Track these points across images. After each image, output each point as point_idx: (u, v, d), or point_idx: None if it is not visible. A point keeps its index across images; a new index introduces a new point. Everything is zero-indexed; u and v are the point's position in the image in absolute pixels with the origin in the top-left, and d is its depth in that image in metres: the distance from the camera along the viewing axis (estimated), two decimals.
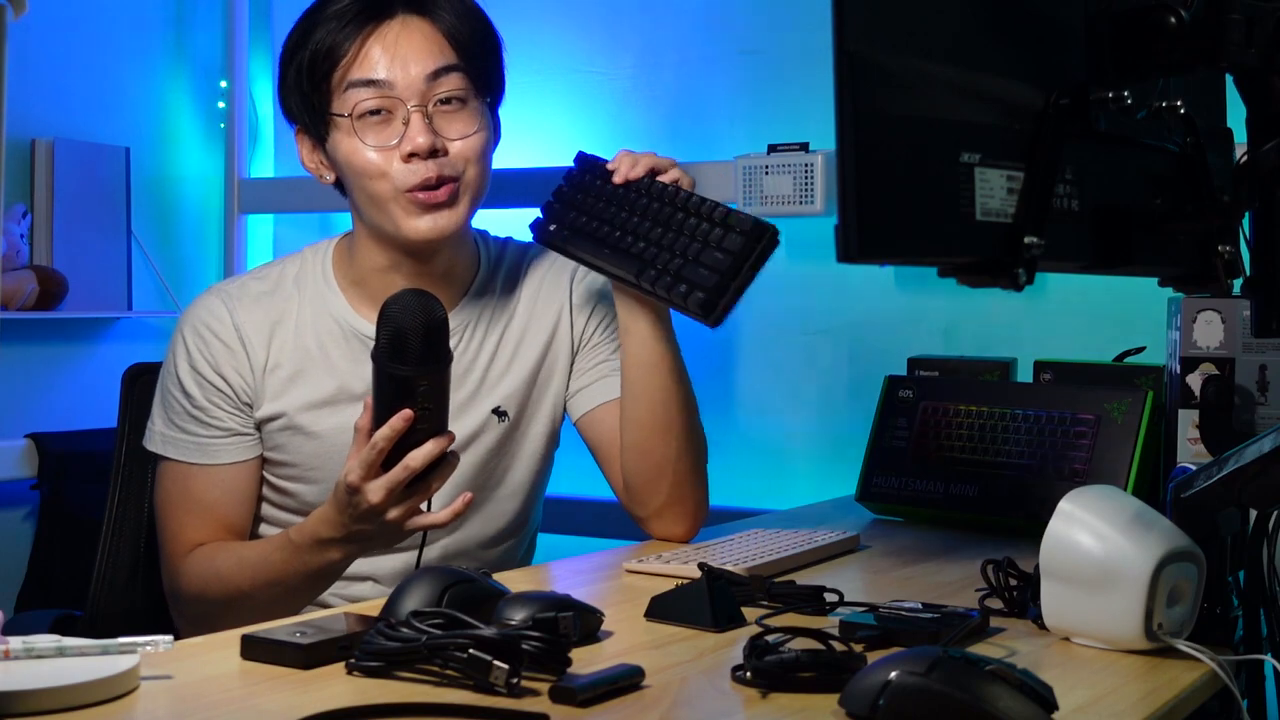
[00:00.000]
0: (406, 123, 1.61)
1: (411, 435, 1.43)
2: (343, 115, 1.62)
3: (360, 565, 1.68)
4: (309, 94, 1.64)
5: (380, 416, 1.43)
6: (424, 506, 1.49)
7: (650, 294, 1.60)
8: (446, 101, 1.64)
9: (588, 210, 1.68)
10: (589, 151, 1.75)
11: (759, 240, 1.56)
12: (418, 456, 1.43)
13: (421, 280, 1.67)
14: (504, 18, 1.76)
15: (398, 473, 1.43)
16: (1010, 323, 2.43)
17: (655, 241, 1.60)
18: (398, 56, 1.61)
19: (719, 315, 1.54)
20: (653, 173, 1.66)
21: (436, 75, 1.63)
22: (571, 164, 1.75)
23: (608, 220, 1.65)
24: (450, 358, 1.46)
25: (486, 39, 1.69)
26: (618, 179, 1.67)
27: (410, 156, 1.61)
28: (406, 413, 1.42)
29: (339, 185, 1.72)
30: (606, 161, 1.70)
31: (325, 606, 1.65)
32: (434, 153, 1.61)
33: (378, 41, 1.62)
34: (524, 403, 1.76)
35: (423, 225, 1.63)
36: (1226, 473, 1.24)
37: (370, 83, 1.61)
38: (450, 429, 1.47)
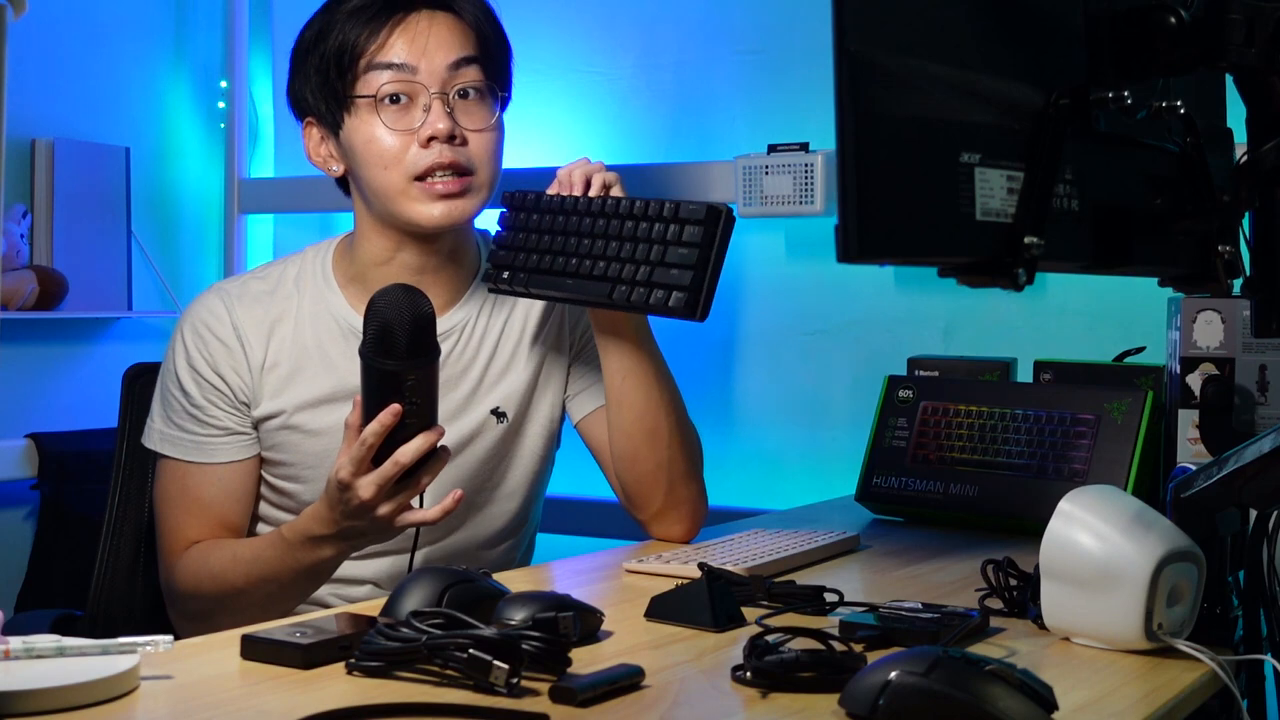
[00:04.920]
0: (427, 109, 1.64)
1: (401, 430, 1.43)
2: (365, 96, 1.64)
3: (359, 568, 1.68)
4: (332, 80, 1.65)
5: (369, 412, 1.44)
6: (415, 503, 1.49)
7: (629, 309, 1.59)
8: (464, 94, 1.67)
9: (535, 248, 1.66)
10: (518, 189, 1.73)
11: (717, 224, 1.54)
12: (407, 451, 1.44)
13: (422, 274, 1.69)
14: (504, 18, 1.76)
15: (388, 468, 1.44)
16: (1010, 323, 2.43)
17: (615, 256, 1.59)
18: (422, 45, 1.65)
19: (704, 309, 1.53)
20: (587, 182, 1.66)
21: (458, 65, 1.66)
22: (501, 209, 1.72)
23: (560, 251, 1.63)
24: (438, 351, 1.46)
25: (502, 40, 1.74)
26: (564, 191, 1.66)
27: (430, 141, 1.63)
28: (395, 407, 1.42)
29: (342, 181, 1.73)
30: (533, 193, 1.68)
31: (325, 608, 1.65)
32: (452, 139, 1.64)
33: (404, 31, 1.66)
34: (523, 403, 1.76)
35: (436, 211, 1.65)
36: (1226, 473, 1.24)
37: (395, 66, 1.64)
38: (444, 427, 1.47)
